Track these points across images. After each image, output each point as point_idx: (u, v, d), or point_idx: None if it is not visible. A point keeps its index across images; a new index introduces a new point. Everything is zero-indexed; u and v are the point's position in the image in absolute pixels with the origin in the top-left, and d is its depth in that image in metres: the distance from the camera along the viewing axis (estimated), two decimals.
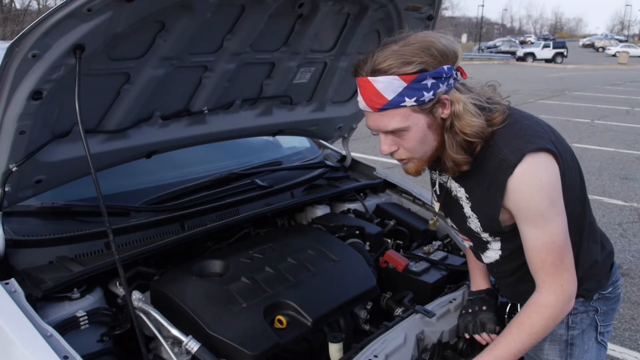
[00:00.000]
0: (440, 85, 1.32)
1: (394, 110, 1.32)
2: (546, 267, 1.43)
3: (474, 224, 1.55)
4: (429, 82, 1.30)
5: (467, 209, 1.54)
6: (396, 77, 1.29)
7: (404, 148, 1.40)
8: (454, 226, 1.68)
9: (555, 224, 1.40)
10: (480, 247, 1.63)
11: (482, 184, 1.44)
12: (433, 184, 1.67)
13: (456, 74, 1.36)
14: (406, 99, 1.31)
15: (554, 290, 1.44)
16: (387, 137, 1.39)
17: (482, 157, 1.41)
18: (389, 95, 1.30)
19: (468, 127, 1.35)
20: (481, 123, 1.36)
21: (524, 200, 1.38)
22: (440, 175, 1.60)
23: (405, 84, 1.29)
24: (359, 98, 1.38)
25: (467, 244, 1.70)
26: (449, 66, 1.32)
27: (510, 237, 1.51)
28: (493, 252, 1.60)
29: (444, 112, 1.36)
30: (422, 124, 1.36)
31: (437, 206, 1.67)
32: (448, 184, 1.58)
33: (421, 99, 1.31)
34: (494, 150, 1.39)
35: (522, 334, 1.47)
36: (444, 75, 1.32)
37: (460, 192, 1.54)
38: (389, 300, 1.95)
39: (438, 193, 1.65)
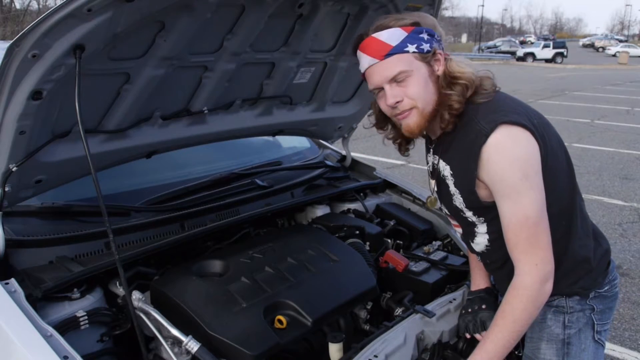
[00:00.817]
0: (433, 41, 1.49)
1: (398, 55, 1.46)
2: (520, 243, 1.45)
3: (458, 200, 1.58)
4: (425, 35, 1.48)
5: (452, 186, 1.58)
6: (398, 28, 1.47)
7: (408, 97, 1.48)
8: (446, 211, 1.71)
9: (529, 199, 1.42)
10: (469, 231, 1.66)
11: (462, 157, 1.50)
12: (428, 163, 1.73)
13: (441, 41, 1.53)
14: (408, 45, 1.46)
15: (528, 271, 1.45)
16: (392, 88, 1.48)
17: (462, 132, 1.50)
18: (393, 42, 1.46)
19: (459, 74, 1.48)
20: (471, 72, 1.49)
21: (498, 170, 1.43)
22: (432, 155, 1.67)
23: (406, 33, 1.46)
24: (364, 58, 1.51)
25: (458, 230, 1.73)
26: (437, 33, 1.51)
27: (494, 217, 1.52)
28: (481, 238, 1.63)
29: (439, 69, 1.50)
30: (423, 71, 1.48)
31: (432, 183, 1.72)
32: (436, 163, 1.63)
33: (421, 47, 1.47)
34: (472, 123, 1.47)
35: (507, 323, 1.48)
36: (435, 36, 1.50)
37: (446, 170, 1.59)
38: (389, 300, 1.95)
39: (434, 171, 1.69)
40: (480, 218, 1.59)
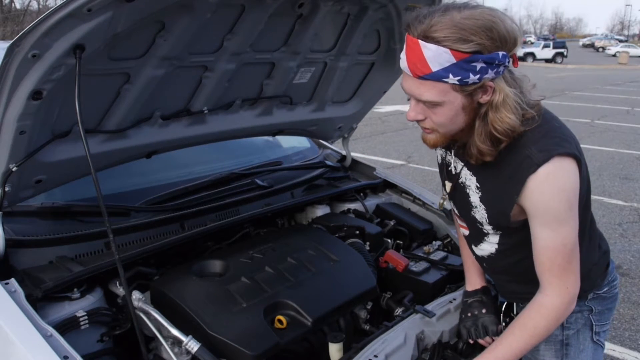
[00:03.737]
0: (490, 70, 1.25)
1: (434, 82, 1.26)
2: (554, 269, 1.42)
3: (480, 214, 1.53)
4: (479, 65, 1.24)
5: (475, 199, 1.52)
6: (448, 50, 1.21)
7: (431, 120, 1.36)
8: (456, 211, 1.67)
9: (569, 227, 1.39)
10: (477, 237, 1.62)
11: (500, 177, 1.42)
12: (443, 165, 1.63)
13: (509, 62, 1.29)
14: (450, 75, 1.24)
15: (558, 293, 1.44)
16: (418, 105, 1.35)
17: (506, 150, 1.37)
18: (434, 67, 1.24)
19: (499, 122, 1.30)
20: (514, 121, 1.30)
21: (544, 201, 1.36)
22: (454, 157, 1.55)
23: (454, 61, 1.22)
24: (402, 56, 1.31)
25: (464, 231, 1.69)
26: (504, 53, 1.25)
27: (512, 232, 1.50)
28: (489, 245, 1.59)
29: (483, 98, 1.30)
30: (457, 103, 1.30)
31: (448, 187, 1.62)
32: (458, 168, 1.56)
33: (465, 80, 1.25)
34: (520, 145, 1.36)
35: (525, 335, 1.47)
36: (496, 62, 1.25)
37: (470, 180, 1.52)
38: (389, 300, 1.95)
39: (451, 172, 1.60)
40: (498, 232, 1.54)
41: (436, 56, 1.23)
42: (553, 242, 1.40)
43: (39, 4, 29.81)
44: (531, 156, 1.34)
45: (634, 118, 12.59)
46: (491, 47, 1.23)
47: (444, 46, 1.22)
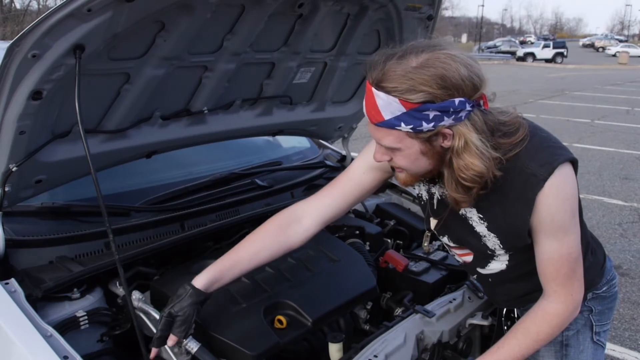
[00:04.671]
0: (445, 118, 1.22)
1: (388, 129, 1.26)
2: (559, 278, 1.41)
3: (491, 242, 1.48)
4: (432, 113, 1.22)
5: (481, 228, 1.47)
6: (397, 100, 1.21)
7: (395, 162, 1.36)
8: (451, 244, 1.60)
9: (574, 235, 1.39)
10: (483, 261, 1.58)
11: (504, 202, 1.38)
12: (428, 201, 1.57)
13: (472, 106, 1.24)
14: (402, 124, 1.23)
15: (563, 300, 1.43)
16: (381, 148, 1.35)
17: (504, 175, 1.32)
18: (386, 115, 1.24)
19: (464, 169, 1.27)
20: (480, 167, 1.25)
21: (550, 212, 1.34)
22: (439, 187, 1.50)
23: (404, 110, 1.22)
24: (364, 101, 1.32)
25: (467, 259, 1.62)
26: (461, 99, 1.21)
27: (521, 251, 1.48)
28: (498, 264, 1.56)
29: (445, 143, 1.27)
30: (415, 149, 1.29)
31: (433, 223, 1.58)
32: (440, 196, 1.52)
33: (418, 128, 1.23)
34: (519, 166, 1.33)
35: (528, 340, 1.46)
36: (451, 110, 1.22)
37: (470, 212, 1.46)
38: (389, 300, 1.95)
39: (435, 208, 1.54)
40: (509, 252, 1.51)
41: (387, 105, 1.23)
42: (559, 253, 1.39)
43: (39, 4, 29.82)
44: (535, 174, 1.32)
45: (634, 118, 12.59)
46: (443, 96, 1.20)
47: (393, 96, 1.21)
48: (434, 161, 1.32)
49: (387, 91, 1.22)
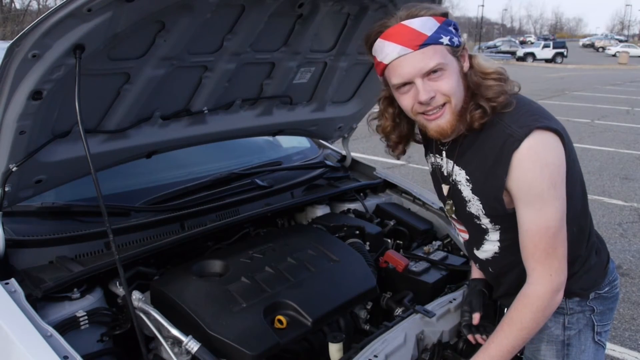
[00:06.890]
0: (460, 36, 1.41)
1: (434, 46, 1.36)
2: (537, 253, 1.43)
3: (475, 207, 1.53)
4: (453, 28, 1.40)
5: (467, 192, 1.53)
6: (430, 17, 1.37)
7: (441, 93, 1.39)
8: (454, 216, 1.66)
9: (553, 208, 1.39)
10: (477, 238, 1.62)
11: (486, 163, 1.44)
12: (435, 171, 1.66)
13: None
14: (442, 36, 1.37)
15: (542, 281, 1.44)
16: (426, 84, 1.38)
17: (487, 136, 1.43)
18: (428, 32, 1.36)
19: (487, 66, 1.43)
20: (496, 66, 1.43)
21: (526, 177, 1.38)
22: (445, 158, 1.58)
23: (438, 24, 1.37)
24: (391, 48, 1.38)
25: (463, 235, 1.68)
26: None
27: (511, 225, 1.49)
28: (491, 245, 1.59)
29: (465, 65, 1.42)
30: (455, 66, 1.40)
31: (445, 189, 1.63)
32: (449, 168, 1.57)
33: (452, 40, 1.38)
34: (500, 127, 1.41)
35: (513, 330, 1.47)
36: (457, 28, 1.42)
37: (459, 175, 1.54)
38: (389, 300, 1.95)
39: (444, 175, 1.61)
40: (497, 226, 1.55)
41: (423, 25, 1.36)
42: (536, 225, 1.40)
43: (39, 4, 29.81)
44: (513, 134, 1.38)
45: (634, 118, 12.59)
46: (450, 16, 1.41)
47: (425, 16, 1.37)
48: (465, 88, 1.42)
49: (417, 14, 1.37)
